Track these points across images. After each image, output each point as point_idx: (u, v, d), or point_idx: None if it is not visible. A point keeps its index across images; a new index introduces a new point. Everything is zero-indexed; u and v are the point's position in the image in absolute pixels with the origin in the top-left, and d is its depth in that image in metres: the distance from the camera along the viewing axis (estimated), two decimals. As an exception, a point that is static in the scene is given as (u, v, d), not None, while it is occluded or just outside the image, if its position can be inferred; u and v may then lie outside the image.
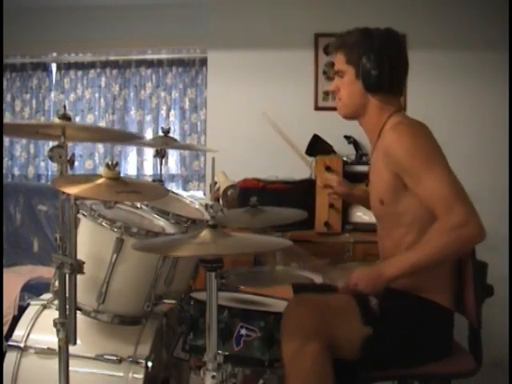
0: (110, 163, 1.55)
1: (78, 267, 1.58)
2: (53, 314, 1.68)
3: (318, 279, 2.18)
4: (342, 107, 1.85)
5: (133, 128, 3.92)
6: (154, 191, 1.71)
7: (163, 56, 3.89)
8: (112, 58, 3.93)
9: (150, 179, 3.73)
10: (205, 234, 1.38)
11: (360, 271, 1.67)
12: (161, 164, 2.41)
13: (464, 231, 1.54)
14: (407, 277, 1.66)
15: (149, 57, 3.91)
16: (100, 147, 3.95)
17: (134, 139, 2.42)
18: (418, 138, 1.66)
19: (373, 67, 1.72)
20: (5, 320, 2.76)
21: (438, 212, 1.58)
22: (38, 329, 1.95)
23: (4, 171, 3.97)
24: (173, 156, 3.89)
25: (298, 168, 3.17)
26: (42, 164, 4.02)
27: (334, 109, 3.68)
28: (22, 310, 2.09)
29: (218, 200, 2.81)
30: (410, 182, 1.65)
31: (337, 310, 1.62)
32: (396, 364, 1.67)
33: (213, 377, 1.39)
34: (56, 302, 1.69)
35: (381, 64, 1.72)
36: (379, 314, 1.62)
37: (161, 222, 1.98)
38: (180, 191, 3.66)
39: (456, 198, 1.57)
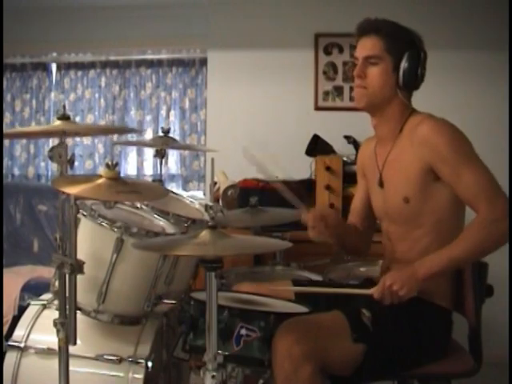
0: (109, 163, 1.55)
1: (78, 267, 1.58)
2: (53, 314, 1.68)
3: (317, 278, 2.18)
4: (367, 96, 1.72)
5: (133, 128, 3.92)
6: (154, 191, 1.71)
7: (163, 56, 3.89)
8: (112, 58, 3.92)
9: (150, 179, 3.73)
10: (204, 234, 1.39)
11: (393, 272, 1.62)
12: (161, 164, 2.41)
13: (501, 226, 1.54)
14: (444, 273, 1.63)
15: (149, 57, 3.90)
16: (100, 147, 3.95)
17: (133, 132, 2.42)
18: (457, 131, 1.65)
19: (416, 65, 1.69)
20: (5, 320, 2.76)
21: (479, 205, 1.57)
22: (38, 329, 1.95)
23: (4, 171, 3.96)
24: (173, 156, 3.89)
25: (298, 168, 3.17)
26: (42, 164, 4.02)
27: (333, 109, 3.70)
28: (22, 309, 2.09)
29: (218, 200, 2.81)
30: (447, 173, 1.61)
31: (327, 331, 1.59)
32: (395, 369, 1.66)
33: (213, 377, 1.39)
34: (56, 301, 1.70)
35: (421, 64, 1.70)
36: (372, 328, 1.58)
37: (161, 222, 1.98)
38: (180, 191, 3.66)
39: (497, 192, 1.58)
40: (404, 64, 1.68)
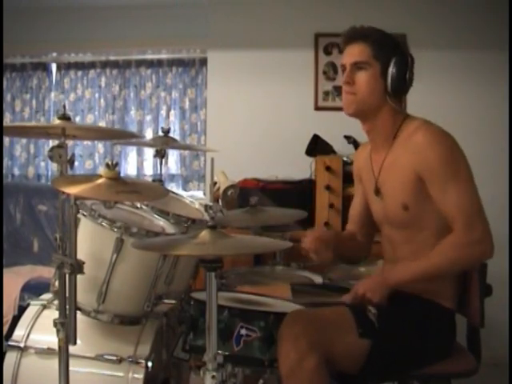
0: (109, 163, 1.55)
1: (78, 267, 1.58)
2: (53, 314, 1.68)
3: (317, 279, 2.18)
4: (356, 102, 1.72)
5: (133, 128, 3.92)
6: (154, 191, 1.71)
7: (163, 56, 3.89)
8: (112, 58, 3.93)
9: (150, 179, 3.73)
10: (204, 234, 1.39)
11: (364, 281, 1.68)
12: (161, 164, 2.41)
13: (478, 249, 1.56)
14: (413, 284, 1.65)
15: (149, 57, 3.91)
16: (100, 147, 3.96)
17: (134, 137, 2.43)
18: (451, 144, 1.64)
19: (404, 70, 1.69)
20: (5, 320, 2.76)
21: (456, 225, 1.58)
22: (38, 329, 1.95)
23: (4, 171, 3.97)
24: (173, 156, 3.89)
25: (298, 168, 3.17)
26: (42, 164, 4.02)
27: (333, 109, 3.70)
28: (22, 310, 2.09)
29: (218, 200, 2.81)
30: (433, 186, 1.62)
31: (333, 324, 1.60)
32: (399, 370, 1.66)
33: (213, 377, 1.39)
34: (56, 301, 1.69)
35: (409, 68, 1.71)
36: (378, 324, 1.59)
37: (161, 222, 1.98)
38: (180, 191, 3.67)
39: (477, 216, 1.58)
40: (392, 69, 1.68)
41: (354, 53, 1.72)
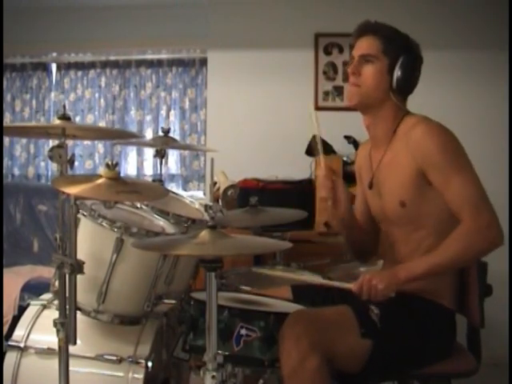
0: (109, 163, 1.55)
1: (78, 267, 1.58)
2: (53, 314, 1.68)
3: (317, 279, 2.18)
4: (360, 94, 1.72)
5: (133, 128, 3.93)
6: (154, 191, 1.71)
7: (163, 56, 3.90)
8: (112, 57, 3.93)
9: (150, 179, 3.73)
10: (204, 234, 1.39)
11: (374, 271, 1.64)
12: (161, 164, 2.41)
13: (489, 234, 1.55)
14: (426, 278, 1.62)
15: (149, 57, 3.91)
16: (100, 147, 3.96)
17: (134, 137, 2.43)
18: (450, 136, 1.65)
19: (411, 70, 1.70)
20: (5, 320, 2.76)
21: (464, 213, 1.57)
22: (38, 329, 1.95)
23: (4, 171, 3.97)
24: (173, 156, 3.90)
25: (298, 168, 3.17)
26: (42, 164, 4.03)
27: (333, 109, 3.70)
28: (22, 310, 2.09)
29: (218, 200, 2.81)
30: (437, 178, 1.62)
31: (334, 324, 1.60)
32: (399, 369, 1.66)
33: (213, 377, 1.39)
34: (56, 301, 1.70)
35: (417, 69, 1.72)
36: (380, 324, 1.59)
37: (161, 222, 1.98)
38: (180, 191, 3.67)
39: (483, 202, 1.57)
40: (399, 67, 1.69)
41: (363, 46, 1.73)
